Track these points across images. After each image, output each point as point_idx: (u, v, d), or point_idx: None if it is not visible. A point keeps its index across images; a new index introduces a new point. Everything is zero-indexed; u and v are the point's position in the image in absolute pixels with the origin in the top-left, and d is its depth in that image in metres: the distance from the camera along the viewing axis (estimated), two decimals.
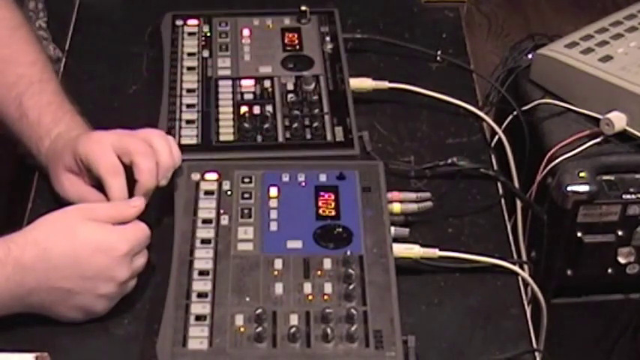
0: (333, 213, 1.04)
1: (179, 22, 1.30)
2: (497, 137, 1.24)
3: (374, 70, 1.28)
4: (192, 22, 1.31)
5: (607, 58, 1.32)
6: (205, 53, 1.26)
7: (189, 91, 1.20)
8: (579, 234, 1.32)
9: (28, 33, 1.16)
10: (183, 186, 1.07)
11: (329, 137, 1.14)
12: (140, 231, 0.98)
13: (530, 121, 1.31)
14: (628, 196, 1.29)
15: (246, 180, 1.08)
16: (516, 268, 1.06)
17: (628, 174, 1.31)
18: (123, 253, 0.95)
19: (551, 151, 1.29)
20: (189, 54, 1.26)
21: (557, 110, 1.34)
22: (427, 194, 1.10)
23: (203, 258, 1.00)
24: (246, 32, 1.29)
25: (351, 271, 0.97)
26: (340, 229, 1.03)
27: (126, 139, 1.02)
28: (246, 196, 1.06)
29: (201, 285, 0.97)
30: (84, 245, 0.94)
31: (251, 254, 1.00)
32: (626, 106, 1.27)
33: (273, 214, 1.04)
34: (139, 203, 0.99)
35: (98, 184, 1.03)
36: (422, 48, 1.31)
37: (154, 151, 1.02)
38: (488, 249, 1.07)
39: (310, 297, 0.96)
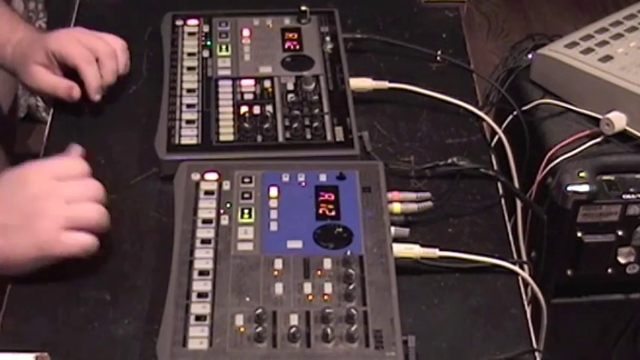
0: (333, 213, 1.04)
1: (179, 22, 1.30)
2: (497, 137, 1.24)
3: (374, 70, 1.28)
4: (192, 22, 1.30)
5: (607, 58, 1.32)
6: (205, 53, 1.26)
7: (189, 91, 1.20)
8: (579, 234, 1.32)
9: None
10: (183, 186, 1.07)
11: (329, 137, 1.14)
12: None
13: (530, 121, 1.31)
14: (628, 196, 1.29)
15: (246, 180, 1.08)
16: (516, 268, 1.06)
17: (628, 174, 1.31)
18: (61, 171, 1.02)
19: (551, 151, 1.30)
20: (189, 54, 1.26)
21: (557, 110, 1.34)
22: (427, 194, 1.10)
23: (203, 258, 1.00)
24: (246, 32, 1.29)
25: (351, 271, 0.97)
26: (340, 229, 1.03)
27: (92, 39, 1.22)
28: (246, 196, 1.06)
29: (201, 285, 0.97)
30: (28, 168, 1.03)
31: (251, 254, 1.00)
32: (626, 106, 1.27)
33: (273, 214, 1.04)
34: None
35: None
36: (422, 48, 1.31)
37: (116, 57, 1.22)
38: (489, 249, 1.07)
39: (310, 297, 0.96)
